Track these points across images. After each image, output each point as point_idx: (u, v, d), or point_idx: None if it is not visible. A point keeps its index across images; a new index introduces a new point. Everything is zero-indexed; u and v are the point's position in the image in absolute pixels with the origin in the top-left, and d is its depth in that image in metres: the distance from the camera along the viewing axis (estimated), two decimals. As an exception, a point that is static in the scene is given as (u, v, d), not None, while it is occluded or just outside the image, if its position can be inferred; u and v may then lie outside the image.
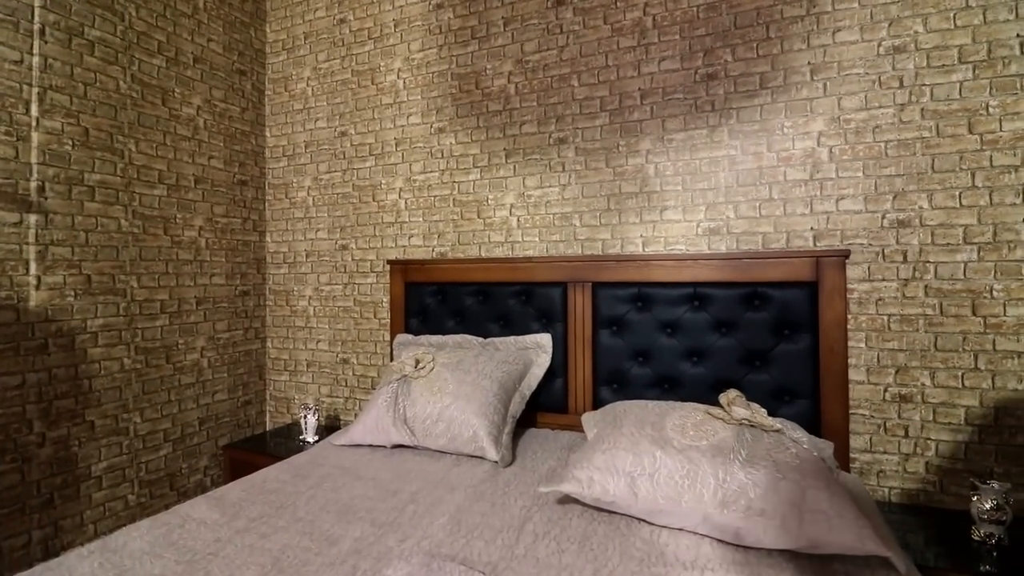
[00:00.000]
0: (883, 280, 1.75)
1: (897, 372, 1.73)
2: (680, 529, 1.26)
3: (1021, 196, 1.60)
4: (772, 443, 1.30)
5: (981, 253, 1.64)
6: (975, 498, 1.48)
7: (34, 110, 1.92)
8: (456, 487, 1.54)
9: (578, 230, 2.16)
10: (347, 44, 2.64)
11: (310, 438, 2.39)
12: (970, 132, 1.65)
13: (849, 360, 1.77)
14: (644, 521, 1.30)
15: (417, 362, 1.99)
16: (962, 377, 1.66)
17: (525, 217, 2.25)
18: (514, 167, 2.27)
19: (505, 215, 2.29)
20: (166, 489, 2.34)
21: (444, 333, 2.28)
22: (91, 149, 2.08)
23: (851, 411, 1.77)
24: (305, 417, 2.38)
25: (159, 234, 2.32)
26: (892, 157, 1.73)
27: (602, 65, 2.11)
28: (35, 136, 1.92)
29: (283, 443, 2.46)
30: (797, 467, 1.22)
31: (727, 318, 1.87)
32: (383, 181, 2.55)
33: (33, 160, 1.91)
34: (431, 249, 2.44)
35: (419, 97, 2.47)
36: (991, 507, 1.44)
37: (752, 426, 1.36)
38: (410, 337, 2.29)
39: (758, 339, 1.83)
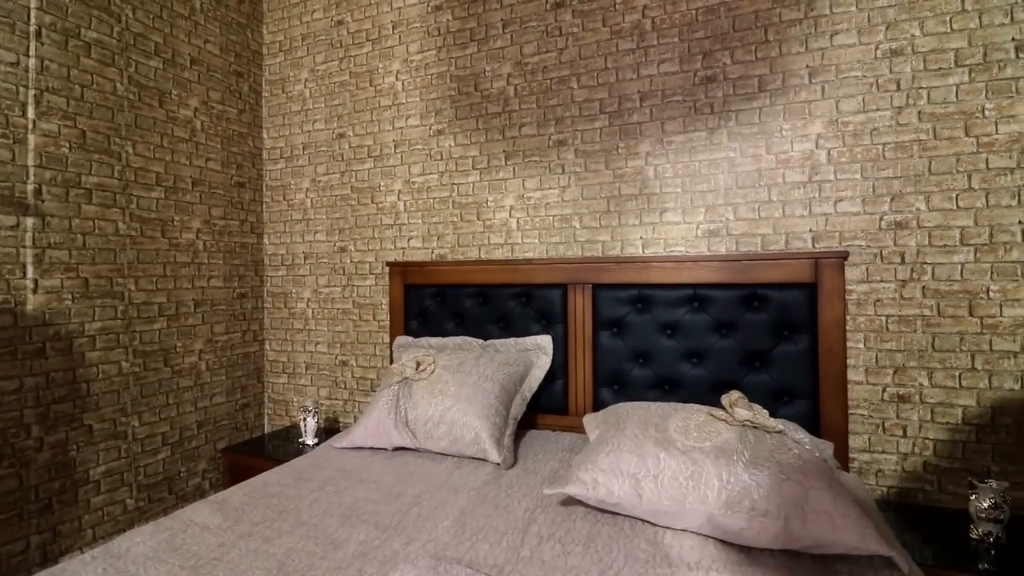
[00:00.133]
0: (881, 281, 1.77)
1: (895, 372, 1.75)
2: (684, 530, 1.26)
3: (1017, 198, 1.62)
4: (775, 444, 1.31)
5: (978, 254, 1.66)
6: (973, 497, 1.49)
7: (30, 112, 1.90)
8: (459, 489, 1.54)
9: (578, 232, 2.17)
10: (345, 46, 2.64)
11: (310, 441, 2.38)
12: (966, 135, 1.67)
13: (848, 361, 1.78)
14: (648, 522, 1.30)
15: (418, 364, 1.99)
16: (959, 377, 1.68)
17: (525, 219, 2.26)
18: (514, 169, 2.27)
19: (505, 217, 2.29)
20: (165, 493, 2.33)
21: (444, 335, 2.28)
22: (88, 151, 2.06)
23: (850, 411, 1.78)
24: (305, 420, 2.38)
25: (157, 237, 2.31)
26: (890, 159, 1.75)
27: (601, 67, 2.12)
28: (32, 138, 1.90)
29: (281, 446, 2.46)
30: (800, 468, 1.23)
31: (727, 319, 1.88)
32: (382, 183, 2.54)
33: (30, 163, 1.90)
34: (430, 251, 2.44)
35: (418, 99, 2.46)
36: (989, 506, 1.45)
37: (755, 427, 1.37)
38: (410, 339, 2.29)
39: (758, 340, 1.84)
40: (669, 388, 1.94)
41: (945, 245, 1.70)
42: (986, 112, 1.65)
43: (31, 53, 1.90)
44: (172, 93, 2.38)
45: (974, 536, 1.48)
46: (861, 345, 1.79)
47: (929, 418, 1.72)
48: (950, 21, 1.69)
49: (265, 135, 2.85)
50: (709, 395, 1.84)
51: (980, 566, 1.37)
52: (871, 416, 1.78)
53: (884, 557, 1.11)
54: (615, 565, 1.14)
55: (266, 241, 2.85)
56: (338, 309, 2.66)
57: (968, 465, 1.67)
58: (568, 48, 2.17)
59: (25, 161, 1.89)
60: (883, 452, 1.77)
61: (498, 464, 1.71)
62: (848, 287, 1.80)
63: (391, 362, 2.37)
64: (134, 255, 2.21)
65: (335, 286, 2.67)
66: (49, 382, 1.93)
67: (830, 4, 1.81)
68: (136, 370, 2.21)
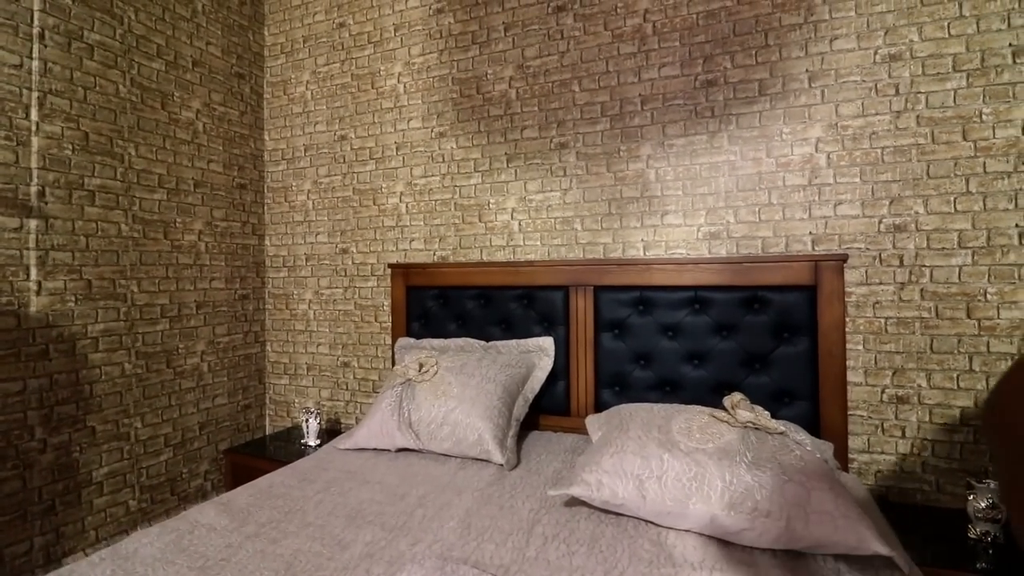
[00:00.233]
0: (880, 284, 1.79)
1: (894, 374, 1.77)
2: (687, 531, 1.28)
3: (1014, 201, 1.64)
4: (777, 445, 1.32)
5: (975, 257, 1.68)
6: (971, 497, 1.51)
7: (34, 114, 1.91)
8: (463, 490, 1.55)
9: (579, 234, 2.18)
10: (347, 48, 2.65)
11: (312, 442, 2.39)
12: (964, 139, 1.69)
13: (847, 362, 1.80)
14: (651, 523, 1.32)
15: (421, 366, 2.00)
16: (957, 378, 1.70)
17: (527, 221, 2.27)
18: (515, 171, 2.28)
19: (507, 219, 2.30)
20: (167, 494, 2.33)
21: (446, 336, 2.29)
22: (91, 153, 2.07)
23: (849, 412, 1.80)
24: (307, 421, 2.39)
25: (159, 238, 2.31)
26: (888, 163, 1.77)
27: (603, 71, 2.13)
28: (35, 140, 1.91)
29: (283, 447, 2.46)
30: (802, 469, 1.25)
31: (727, 321, 1.90)
32: (384, 185, 2.55)
33: (33, 165, 1.90)
34: (432, 253, 2.45)
35: (420, 101, 2.48)
36: (987, 506, 1.47)
37: (756, 429, 1.39)
38: (412, 341, 2.30)
39: (758, 342, 1.85)
40: (670, 389, 1.96)
41: (943, 248, 1.72)
42: (984, 117, 1.67)
43: (34, 55, 1.91)
44: (174, 95, 2.39)
45: (972, 536, 1.50)
46: (860, 347, 1.81)
47: (927, 419, 1.74)
48: (948, 27, 1.71)
49: (266, 137, 2.86)
50: (710, 396, 1.86)
51: (978, 565, 1.39)
52: (870, 417, 1.80)
53: (884, 557, 1.12)
54: (620, 565, 1.15)
55: (267, 243, 2.86)
56: (340, 310, 2.67)
57: (966, 465, 1.69)
58: (570, 51, 2.19)
59: (29, 163, 1.89)
60: (882, 453, 1.79)
61: (501, 465, 1.72)
62: (847, 289, 1.81)
63: (393, 363, 2.38)
64: (136, 257, 2.22)
65: (337, 287, 2.68)
66: (52, 384, 1.93)
67: (830, 9, 1.83)
68: (139, 371, 2.22)
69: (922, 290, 1.74)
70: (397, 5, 2.52)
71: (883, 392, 1.78)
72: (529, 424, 2.11)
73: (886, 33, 1.77)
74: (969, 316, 1.69)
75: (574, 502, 1.43)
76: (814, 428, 1.76)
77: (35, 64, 1.91)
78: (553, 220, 2.23)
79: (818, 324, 1.79)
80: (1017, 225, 1.64)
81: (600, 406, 2.04)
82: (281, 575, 1.13)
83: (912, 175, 1.75)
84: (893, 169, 1.77)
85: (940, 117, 1.72)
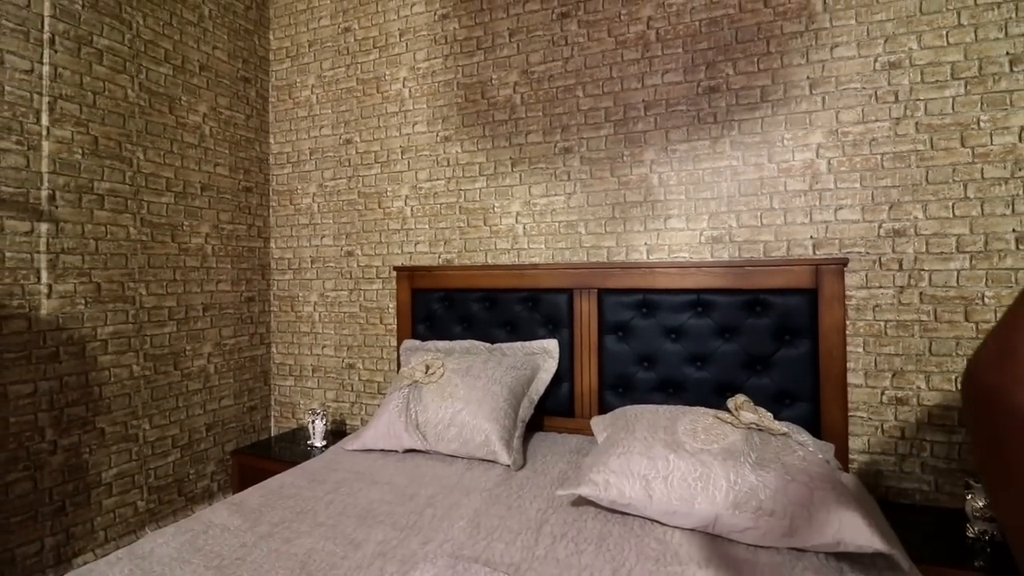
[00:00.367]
0: (880, 287, 1.82)
1: (894, 376, 1.80)
2: (692, 529, 1.30)
3: (1011, 207, 1.67)
4: (780, 446, 1.35)
5: (973, 261, 1.72)
6: (969, 497, 1.54)
7: (44, 119, 1.93)
8: (471, 491, 1.58)
9: (583, 238, 2.21)
10: (352, 52, 2.67)
11: (318, 443, 2.41)
12: (962, 145, 1.73)
13: (848, 364, 1.83)
14: (657, 522, 1.34)
15: (427, 368, 2.02)
16: (955, 381, 1.73)
17: (531, 225, 2.30)
18: (520, 176, 2.31)
19: (511, 223, 2.33)
20: (174, 495, 2.35)
21: (451, 339, 2.32)
22: (100, 157, 2.09)
23: (850, 414, 1.83)
24: (313, 422, 2.41)
25: (167, 241, 2.33)
26: (888, 169, 1.80)
27: (606, 77, 2.16)
28: (45, 145, 1.93)
29: (288, 448, 2.49)
30: (804, 469, 1.28)
31: (730, 324, 1.92)
32: (389, 188, 2.58)
33: (44, 169, 1.92)
34: (437, 256, 2.48)
35: (425, 106, 2.50)
36: (984, 505, 1.50)
37: (760, 430, 1.42)
38: (417, 343, 2.32)
39: (760, 344, 1.88)
40: (673, 391, 1.99)
41: (942, 252, 1.75)
42: (981, 124, 1.71)
43: (45, 60, 1.93)
44: (181, 99, 2.41)
45: (970, 535, 1.53)
46: (860, 349, 1.84)
47: (927, 420, 1.77)
48: (947, 35, 1.74)
49: (272, 140, 2.88)
50: (712, 398, 1.89)
51: (976, 564, 1.42)
52: (870, 418, 1.83)
53: (885, 555, 1.15)
54: (627, 563, 1.18)
55: (273, 245, 2.88)
56: (345, 313, 2.69)
57: (964, 466, 1.72)
58: (574, 57, 2.22)
59: (39, 167, 1.91)
60: (882, 453, 1.82)
61: (508, 466, 1.75)
62: (848, 293, 1.84)
63: (398, 365, 2.40)
64: (145, 260, 2.24)
65: (342, 290, 2.70)
66: (63, 386, 1.95)
67: (830, 17, 1.86)
68: (147, 373, 2.24)
69: (921, 293, 1.77)
70: (402, 11, 2.55)
71: (883, 394, 1.81)
72: (534, 425, 2.14)
73: (886, 41, 1.80)
74: (967, 319, 1.72)
75: (581, 502, 1.46)
76: (815, 429, 1.79)
77: (45, 69, 1.93)
78: (557, 224, 2.25)
79: (819, 327, 1.82)
80: (1014, 230, 1.67)
81: (604, 408, 2.07)
82: (296, 574, 1.16)
83: (911, 181, 1.78)
84: (893, 175, 1.80)
85: (939, 124, 1.75)
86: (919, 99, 1.77)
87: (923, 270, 1.77)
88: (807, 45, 1.89)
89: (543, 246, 2.28)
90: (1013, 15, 1.68)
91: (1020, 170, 1.67)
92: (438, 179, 2.47)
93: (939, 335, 1.75)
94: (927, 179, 1.76)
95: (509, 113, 2.33)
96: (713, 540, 1.27)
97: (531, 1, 2.29)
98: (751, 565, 1.17)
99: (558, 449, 1.92)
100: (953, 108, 1.74)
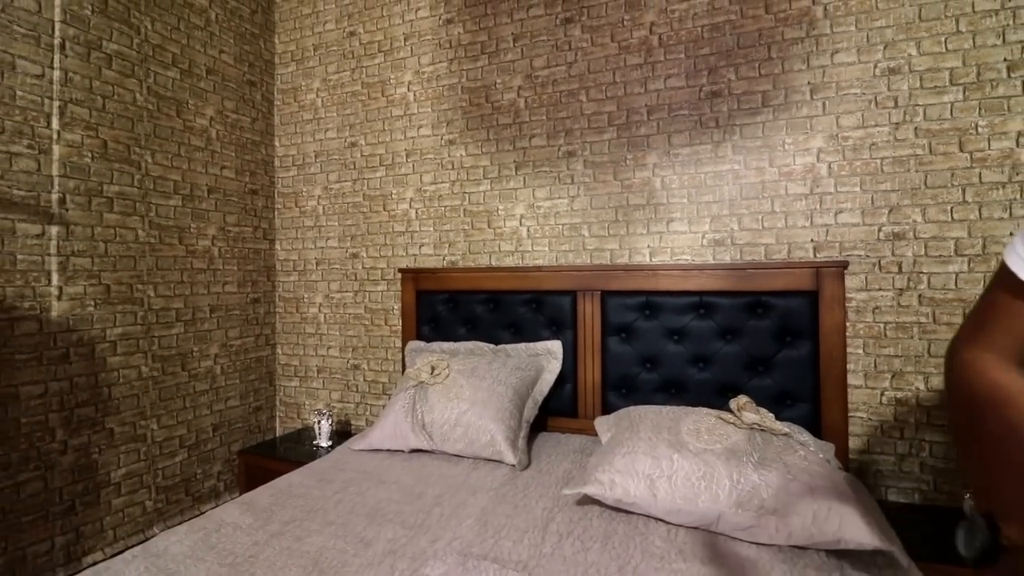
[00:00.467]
0: (880, 290, 1.85)
1: (893, 377, 1.83)
2: (696, 528, 1.33)
3: (1008, 211, 1.70)
4: (782, 446, 1.38)
5: (971, 265, 1.74)
6: (967, 496, 1.57)
7: (55, 123, 1.95)
8: (478, 490, 1.61)
9: (587, 240, 2.24)
10: (357, 56, 2.70)
11: (324, 443, 2.44)
12: (961, 150, 1.75)
13: (848, 365, 1.86)
14: (661, 520, 1.37)
15: (433, 369, 2.05)
16: (954, 381, 1.76)
17: (535, 227, 2.32)
18: (524, 179, 2.34)
19: (515, 225, 2.36)
20: (181, 494, 2.38)
21: (456, 340, 2.35)
22: (110, 161, 2.12)
23: (850, 414, 1.86)
24: (319, 422, 2.43)
25: (174, 244, 2.36)
26: (887, 173, 1.83)
27: (610, 81, 2.19)
28: (56, 149, 1.95)
29: (293, 448, 2.51)
30: (805, 468, 1.30)
31: (731, 325, 1.95)
32: (394, 191, 2.61)
33: (55, 172, 1.95)
34: (442, 258, 2.50)
35: (429, 110, 2.53)
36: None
37: (762, 430, 1.44)
38: (422, 344, 2.35)
39: (761, 346, 1.91)
40: (676, 392, 2.01)
41: (940, 255, 1.78)
42: (979, 129, 1.73)
43: (55, 65, 1.96)
44: (189, 103, 2.44)
45: (968, 533, 1.56)
46: (860, 351, 1.86)
47: (925, 420, 1.80)
48: (945, 42, 1.77)
49: (277, 143, 2.91)
50: (714, 398, 1.91)
51: (974, 561, 1.44)
52: (870, 419, 1.86)
53: (884, 553, 1.18)
54: (632, 561, 1.20)
55: (278, 247, 2.91)
56: (350, 314, 2.72)
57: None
58: (577, 62, 2.24)
59: (50, 171, 1.94)
60: (881, 453, 1.84)
61: (513, 465, 1.77)
62: (848, 295, 1.87)
63: (403, 366, 2.43)
64: (153, 262, 2.27)
65: (347, 291, 2.73)
66: (73, 386, 1.98)
67: (831, 24, 1.89)
68: (155, 374, 2.27)
69: (920, 296, 1.80)
70: (407, 15, 2.58)
71: (882, 394, 1.84)
72: (538, 426, 2.17)
73: (885, 47, 1.83)
74: (965, 321, 1.74)
75: (586, 500, 1.49)
76: (816, 429, 1.82)
77: (56, 74, 1.96)
78: (561, 226, 2.28)
79: (819, 328, 1.84)
80: (1011, 234, 1.70)
81: (607, 408, 2.10)
82: (310, 570, 1.18)
83: (910, 185, 1.81)
84: (892, 179, 1.83)
85: (937, 129, 1.78)
86: (918, 104, 1.80)
87: (922, 273, 1.80)
88: (808, 51, 1.92)
89: (547, 248, 2.31)
90: (1011, 22, 1.71)
91: (1017, 175, 1.70)
92: (443, 182, 2.50)
93: (938, 337, 1.78)
94: (926, 183, 1.79)
95: (513, 117, 2.36)
96: (716, 538, 1.30)
97: (535, 6, 2.32)
98: (753, 562, 1.19)
99: (562, 449, 1.95)
100: (952, 113, 1.76)
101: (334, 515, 1.46)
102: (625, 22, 2.16)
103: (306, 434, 2.66)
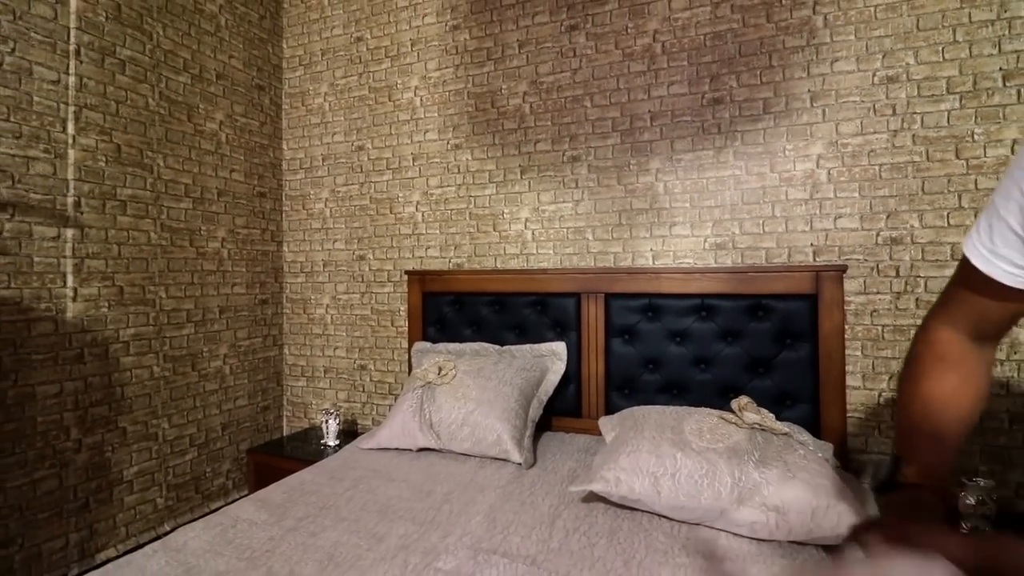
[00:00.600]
0: (878, 293, 1.89)
1: (891, 378, 1.87)
2: (698, 524, 1.37)
3: (1003, 217, 1.74)
4: (782, 445, 1.42)
5: (967, 269, 1.78)
6: (962, 494, 1.61)
7: (70, 128, 1.99)
8: (485, 488, 1.65)
9: (591, 244, 2.28)
10: (364, 61, 2.74)
11: (331, 442, 2.48)
12: (957, 157, 1.80)
13: (847, 367, 1.90)
14: (665, 517, 1.41)
15: (440, 369, 2.09)
16: (950, 383, 1.80)
17: (540, 231, 2.36)
18: (529, 183, 2.38)
19: (520, 228, 2.40)
20: (192, 492, 2.42)
21: (461, 341, 2.39)
22: (123, 165, 2.16)
23: (848, 414, 1.90)
24: (327, 421, 2.47)
25: (185, 246, 2.40)
26: (886, 179, 1.87)
27: (614, 88, 2.23)
28: (71, 153, 1.99)
29: (301, 447, 2.55)
30: (805, 467, 1.34)
31: (733, 328, 1.99)
32: (400, 194, 2.65)
33: (70, 176, 1.99)
34: (448, 260, 2.55)
35: (436, 114, 2.57)
36: (976, 502, 1.57)
37: (763, 430, 1.48)
38: (428, 345, 2.39)
39: (762, 347, 1.95)
40: (678, 392, 2.06)
41: (937, 260, 1.82)
42: (975, 137, 1.78)
43: (71, 71, 2.00)
44: (199, 107, 2.48)
45: (963, 530, 1.60)
46: (859, 352, 1.91)
47: (922, 421, 1.83)
48: (942, 51, 1.81)
49: (285, 146, 2.95)
50: (716, 399, 1.95)
51: (969, 558, 1.48)
52: (868, 419, 1.90)
53: (882, 548, 1.22)
54: (637, 555, 1.24)
55: (286, 249, 2.95)
56: (357, 315, 2.76)
57: (957, 464, 1.79)
58: (582, 69, 2.29)
59: (66, 175, 1.98)
60: (879, 453, 1.89)
61: (519, 464, 1.81)
62: (847, 298, 1.91)
63: (409, 367, 2.47)
64: (164, 264, 2.31)
65: (354, 293, 2.77)
66: (87, 386, 2.02)
67: (830, 33, 1.93)
68: (166, 374, 2.31)
69: (917, 299, 1.84)
70: (414, 21, 2.62)
71: (880, 395, 1.88)
72: (542, 425, 2.20)
73: (884, 56, 1.87)
74: (961, 324, 1.79)
75: (591, 498, 1.53)
76: (815, 429, 1.86)
77: (71, 80, 2.00)
78: (565, 230, 2.32)
79: (819, 331, 1.88)
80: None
81: (610, 408, 2.14)
82: (325, 564, 1.22)
83: (908, 191, 1.85)
84: (890, 185, 1.87)
85: (934, 136, 1.82)
86: (916, 112, 1.84)
87: (919, 277, 1.84)
88: (808, 59, 1.96)
89: (551, 251, 2.35)
90: (1006, 32, 1.75)
91: (1012, 181, 1.73)
92: (449, 185, 2.54)
93: (934, 339, 1.82)
94: (923, 189, 1.83)
95: (518, 122, 2.40)
96: (718, 534, 1.34)
97: (540, 14, 2.36)
98: (754, 557, 1.23)
99: (567, 448, 1.99)
100: (948, 121, 1.81)
101: (346, 511, 1.50)
102: (629, 30, 2.21)
103: (313, 433, 2.70)
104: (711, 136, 2.09)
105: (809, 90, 1.96)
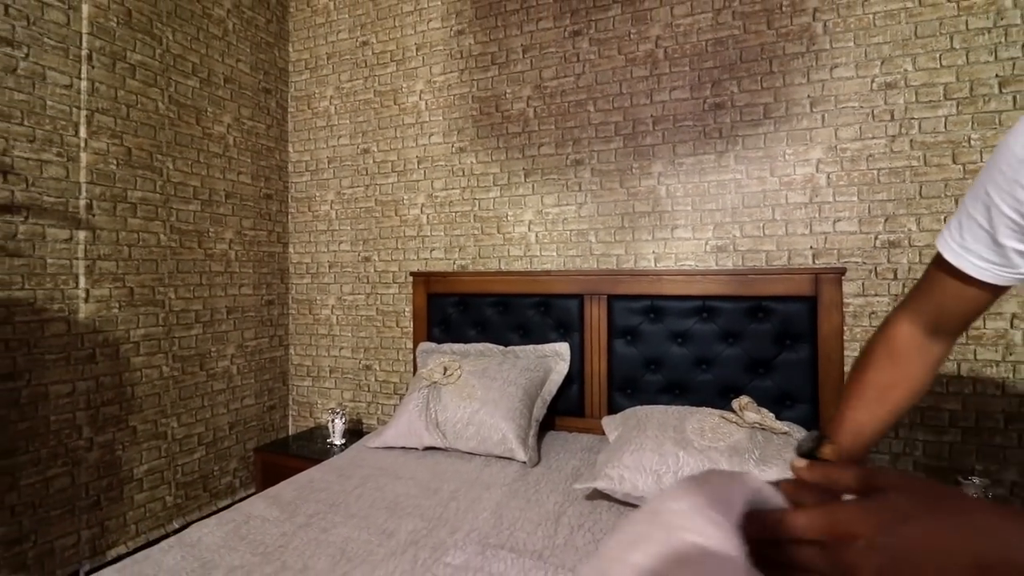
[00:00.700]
0: (876, 295, 1.92)
1: (889, 379, 1.90)
2: (700, 521, 1.41)
3: (999, 221, 1.77)
4: (782, 444, 1.46)
5: (964, 272, 1.81)
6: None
7: (82, 131, 2.03)
8: (491, 485, 1.68)
9: (594, 246, 2.31)
10: (370, 65, 2.78)
11: (337, 441, 2.51)
12: (954, 162, 1.83)
13: (845, 368, 1.93)
14: (668, 515, 1.44)
15: (445, 370, 2.12)
16: (947, 384, 1.84)
17: (543, 233, 2.40)
18: (533, 186, 2.42)
19: (524, 231, 2.43)
20: (200, 491, 2.45)
21: (466, 342, 2.42)
22: (133, 168, 2.19)
23: (847, 415, 1.93)
24: (333, 421, 2.51)
25: (194, 247, 2.43)
26: (884, 183, 1.91)
27: (616, 93, 2.27)
28: (83, 156, 2.03)
29: (306, 446, 2.58)
30: (804, 465, 1.38)
31: (733, 329, 2.03)
32: (405, 197, 2.68)
33: (82, 179, 2.02)
34: (452, 262, 2.58)
35: (441, 118, 2.61)
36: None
37: (763, 429, 1.52)
38: (433, 345, 2.42)
39: (762, 348, 1.99)
40: (679, 392, 2.09)
41: (934, 263, 1.85)
42: (972, 142, 1.81)
43: (83, 76, 2.03)
44: (207, 111, 2.51)
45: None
46: (857, 354, 1.93)
47: (919, 421, 1.87)
48: (940, 58, 1.84)
49: (291, 149, 2.98)
50: (717, 399, 1.99)
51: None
52: (866, 419, 1.93)
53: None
54: (641, 552, 1.28)
55: (292, 250, 2.98)
56: (362, 316, 2.80)
57: (954, 464, 1.83)
58: (585, 74, 2.32)
59: (78, 178, 2.01)
60: (876, 452, 1.92)
61: (524, 462, 1.85)
62: (845, 300, 1.95)
63: (414, 367, 2.50)
64: (174, 265, 2.34)
65: (359, 294, 2.80)
66: (99, 386, 2.05)
67: (830, 40, 1.97)
68: (175, 374, 2.34)
69: (915, 301, 1.87)
70: (419, 26, 2.65)
71: (878, 396, 1.91)
72: (546, 425, 2.24)
73: (882, 63, 1.91)
74: (958, 326, 1.82)
75: (595, 495, 1.56)
76: (814, 429, 1.89)
77: (83, 84, 2.03)
78: (569, 232, 2.36)
79: (818, 332, 1.92)
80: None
81: (613, 408, 2.17)
82: (338, 559, 1.26)
83: (906, 195, 1.88)
84: (888, 189, 1.90)
85: (932, 142, 1.85)
86: (913, 118, 1.87)
87: (916, 279, 1.86)
88: (808, 65, 1.99)
89: (555, 253, 2.38)
90: (1003, 40, 1.78)
91: (1008, 186, 1.77)
92: (453, 188, 2.58)
93: (931, 341, 1.85)
94: (921, 193, 1.87)
95: (522, 126, 2.44)
96: (720, 531, 1.37)
97: (544, 19, 2.39)
98: (755, 553, 1.27)
99: (570, 447, 2.03)
100: (945, 127, 1.84)
101: (356, 508, 1.53)
102: (632, 36, 2.24)
103: (318, 432, 2.74)
104: (712, 140, 2.12)
105: (809, 96, 2.00)
